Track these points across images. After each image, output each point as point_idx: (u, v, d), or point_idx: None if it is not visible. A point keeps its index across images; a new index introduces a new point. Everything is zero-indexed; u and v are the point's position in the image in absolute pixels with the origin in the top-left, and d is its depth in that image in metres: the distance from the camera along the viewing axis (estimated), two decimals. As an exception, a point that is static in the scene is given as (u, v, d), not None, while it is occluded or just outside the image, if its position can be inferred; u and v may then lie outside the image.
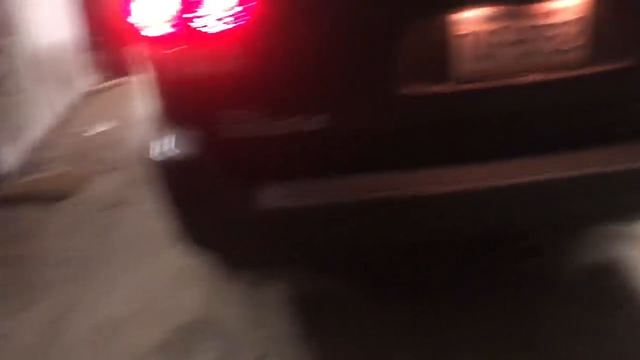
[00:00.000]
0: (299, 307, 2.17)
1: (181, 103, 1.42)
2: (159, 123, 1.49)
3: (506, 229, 1.66)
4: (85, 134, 4.16)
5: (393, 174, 1.38)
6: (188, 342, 2.06)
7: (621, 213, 1.65)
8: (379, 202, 1.37)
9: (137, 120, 4.38)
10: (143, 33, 1.37)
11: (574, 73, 1.37)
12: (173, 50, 1.36)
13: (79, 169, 3.53)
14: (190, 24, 1.32)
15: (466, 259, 2.32)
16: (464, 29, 1.32)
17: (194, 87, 1.38)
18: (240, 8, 1.30)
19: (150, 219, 2.91)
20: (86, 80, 5.21)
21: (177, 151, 1.40)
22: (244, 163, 1.39)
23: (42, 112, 4.14)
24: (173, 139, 1.41)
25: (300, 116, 1.37)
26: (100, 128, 4.24)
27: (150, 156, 1.45)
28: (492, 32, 1.33)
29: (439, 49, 1.33)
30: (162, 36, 1.36)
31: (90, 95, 5.08)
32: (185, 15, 1.31)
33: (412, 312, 2.06)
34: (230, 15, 1.30)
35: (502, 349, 1.84)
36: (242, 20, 1.31)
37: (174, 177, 1.42)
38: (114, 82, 5.43)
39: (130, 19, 1.38)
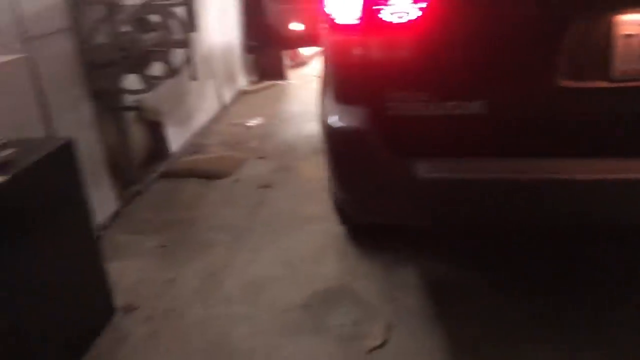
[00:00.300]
0: (428, 288, 2.32)
1: (357, 83, 1.64)
2: (334, 101, 1.73)
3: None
4: (240, 126, 4.61)
5: (543, 159, 1.50)
6: (326, 305, 2.29)
7: None
8: (527, 183, 1.49)
9: (284, 118, 4.80)
10: (335, 22, 1.62)
11: None
12: (357, 36, 1.60)
13: (234, 154, 3.95)
14: (376, 15, 1.55)
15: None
16: (627, 30, 1.42)
17: (370, 70, 1.61)
18: (418, 5, 1.51)
19: (295, 200, 3.23)
20: (243, 80, 5.75)
21: (352, 125, 1.63)
22: (408, 138, 1.59)
23: (208, 103, 4.68)
24: (349, 115, 1.64)
25: (463, 101, 1.55)
26: (252, 122, 4.68)
27: (327, 129, 1.69)
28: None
29: (601, 47, 1.44)
30: (349, 25, 1.60)
31: (245, 93, 5.60)
32: (372, 7, 1.54)
33: (543, 306, 2.13)
34: (410, 10, 1.52)
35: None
36: (420, 14, 1.51)
37: (347, 148, 1.65)
38: (265, 84, 5.93)
39: (325, 10, 1.64)
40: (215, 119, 4.76)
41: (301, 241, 2.79)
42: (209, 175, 3.62)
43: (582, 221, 1.65)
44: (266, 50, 5.33)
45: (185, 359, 2.06)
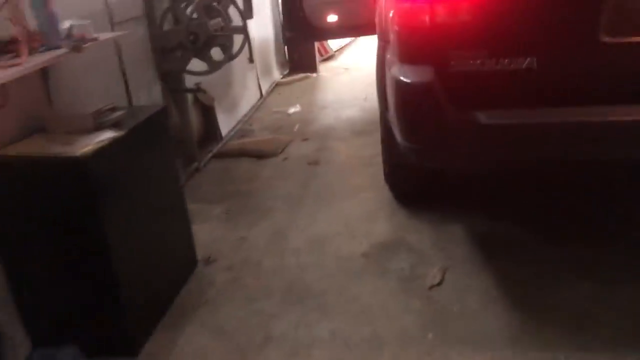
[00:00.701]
0: (474, 241, 2.59)
1: (424, 45, 1.91)
2: (401, 61, 2.01)
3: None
4: (280, 113, 4.91)
5: (591, 106, 1.77)
6: (384, 253, 2.57)
7: None
8: (579, 124, 1.77)
9: (320, 106, 5.08)
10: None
11: None
12: (423, 3, 1.88)
13: (280, 137, 4.25)
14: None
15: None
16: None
17: (434, 33, 1.88)
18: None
19: (342, 174, 3.52)
20: (277, 72, 6.06)
21: (422, 80, 1.90)
22: (470, 91, 1.87)
23: (250, 92, 4.99)
24: (419, 72, 1.92)
25: (516, 57, 1.82)
26: (292, 110, 4.97)
27: (397, 86, 1.97)
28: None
29: (636, 7, 1.70)
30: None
31: (279, 85, 5.90)
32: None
33: (579, 250, 2.39)
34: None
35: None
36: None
37: (418, 100, 1.92)
38: (298, 76, 6.22)
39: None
40: (257, 108, 5.07)
41: (353, 206, 3.07)
42: (259, 154, 3.91)
43: (619, 155, 1.91)
44: (304, 40, 5.61)
45: (267, 297, 2.34)
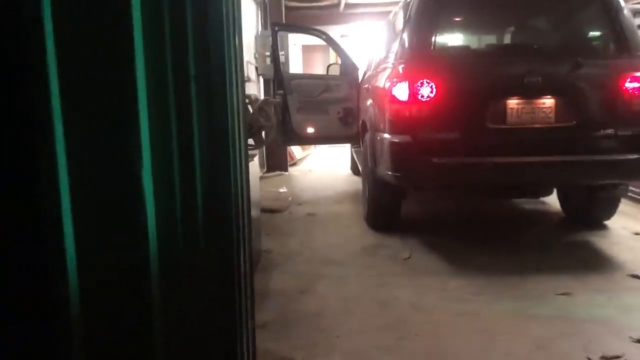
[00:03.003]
0: (427, 245, 4.44)
1: (402, 123, 3.91)
2: (390, 133, 3.98)
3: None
4: (274, 192, 6.72)
5: (482, 158, 3.80)
6: (373, 249, 4.34)
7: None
8: (482, 165, 3.78)
9: (302, 189, 6.95)
10: (397, 98, 3.92)
11: (551, 125, 3.80)
12: (405, 104, 3.89)
13: (285, 202, 6.04)
14: (415, 96, 3.86)
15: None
16: (511, 105, 3.80)
17: (410, 118, 3.89)
18: (432, 93, 3.84)
19: (333, 220, 5.33)
20: (261, 170, 7.94)
21: (400, 140, 3.87)
22: (426, 148, 3.84)
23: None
24: (401, 137, 3.89)
25: (448, 132, 3.84)
26: (282, 190, 6.80)
27: (389, 144, 3.93)
28: (520, 107, 3.81)
29: (502, 110, 3.81)
30: (402, 100, 3.90)
31: (263, 178, 7.76)
32: (413, 93, 3.86)
33: (483, 251, 4.31)
34: (427, 94, 3.85)
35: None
36: (432, 96, 3.84)
37: (401, 149, 3.87)
38: (274, 173, 8.14)
39: (392, 94, 3.95)
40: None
41: (347, 232, 4.87)
42: (271, 210, 5.66)
43: (508, 181, 3.95)
44: (286, 145, 7.61)
45: (310, 264, 4.02)
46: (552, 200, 5.45)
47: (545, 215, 5.38)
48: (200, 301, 1.54)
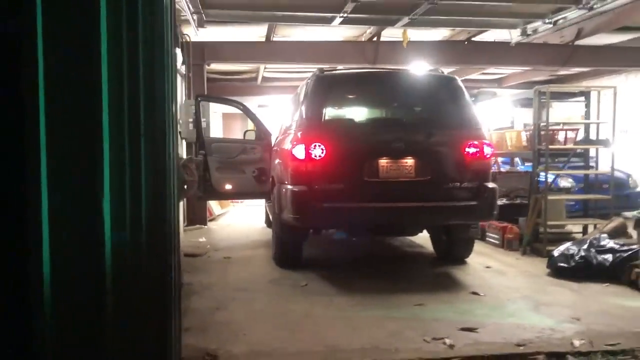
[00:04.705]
0: (320, 276, 5.42)
1: (300, 176, 4.96)
2: (293, 184, 5.01)
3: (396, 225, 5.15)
4: (194, 241, 7.51)
5: (361, 203, 4.90)
6: (279, 280, 5.27)
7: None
8: (361, 208, 4.86)
9: (220, 239, 7.80)
10: (296, 157, 4.99)
11: (412, 179, 4.99)
12: (303, 162, 4.96)
13: (204, 249, 6.85)
14: (309, 155, 4.94)
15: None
16: (382, 163, 4.96)
17: (307, 173, 4.95)
18: (322, 153, 4.95)
19: (246, 262, 6.23)
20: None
21: (298, 189, 4.91)
22: (318, 196, 4.89)
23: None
24: (301, 187, 4.93)
25: (335, 184, 4.93)
26: (201, 239, 7.61)
27: (291, 192, 4.95)
28: (389, 165, 4.98)
29: (375, 167, 4.96)
30: (300, 158, 4.97)
31: (184, 231, 8.51)
32: (308, 153, 4.94)
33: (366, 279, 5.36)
34: (320, 154, 4.95)
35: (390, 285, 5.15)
36: (323, 155, 4.95)
37: (299, 196, 4.90)
38: (194, 226, 8.91)
39: (293, 154, 5.02)
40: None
41: (259, 269, 5.77)
42: (192, 254, 6.47)
43: (381, 221, 5.04)
44: (206, 199, 8.46)
45: (224, 290, 4.87)
46: (428, 244, 6.64)
47: (420, 255, 6.56)
48: (142, 302, 2.31)
